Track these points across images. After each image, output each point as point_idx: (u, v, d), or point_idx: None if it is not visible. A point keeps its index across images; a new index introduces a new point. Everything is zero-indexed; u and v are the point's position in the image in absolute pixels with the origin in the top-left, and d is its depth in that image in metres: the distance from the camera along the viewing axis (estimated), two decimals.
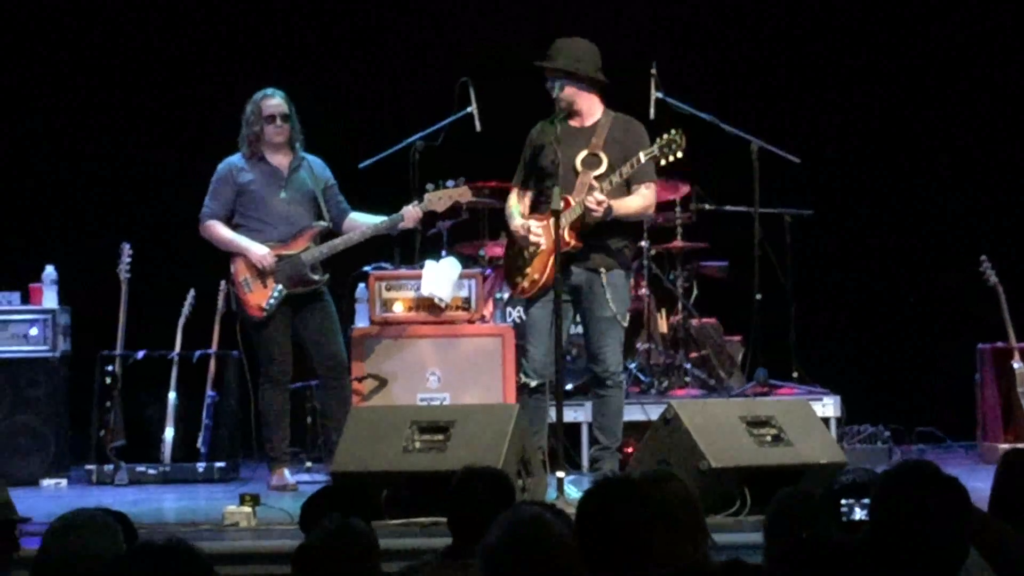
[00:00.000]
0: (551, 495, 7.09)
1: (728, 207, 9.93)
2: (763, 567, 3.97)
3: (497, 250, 9.54)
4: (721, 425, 7.20)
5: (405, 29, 11.06)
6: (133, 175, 10.79)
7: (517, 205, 7.88)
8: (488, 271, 9.30)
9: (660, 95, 9.08)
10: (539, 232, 7.73)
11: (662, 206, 9.52)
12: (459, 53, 10.40)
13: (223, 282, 9.01)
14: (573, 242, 7.61)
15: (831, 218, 10.54)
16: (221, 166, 8.65)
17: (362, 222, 8.56)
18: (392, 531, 6.46)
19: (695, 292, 10.22)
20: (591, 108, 7.81)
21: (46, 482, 9.04)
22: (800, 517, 4.35)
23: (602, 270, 7.69)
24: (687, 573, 3.98)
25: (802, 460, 7.14)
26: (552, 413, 7.46)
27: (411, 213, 8.44)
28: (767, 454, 7.13)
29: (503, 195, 8.63)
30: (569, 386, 9.07)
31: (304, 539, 4.35)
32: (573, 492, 7.16)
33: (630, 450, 8.09)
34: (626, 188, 7.73)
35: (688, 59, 10.46)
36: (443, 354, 8.68)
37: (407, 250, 9.13)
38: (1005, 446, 8.73)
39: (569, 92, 7.73)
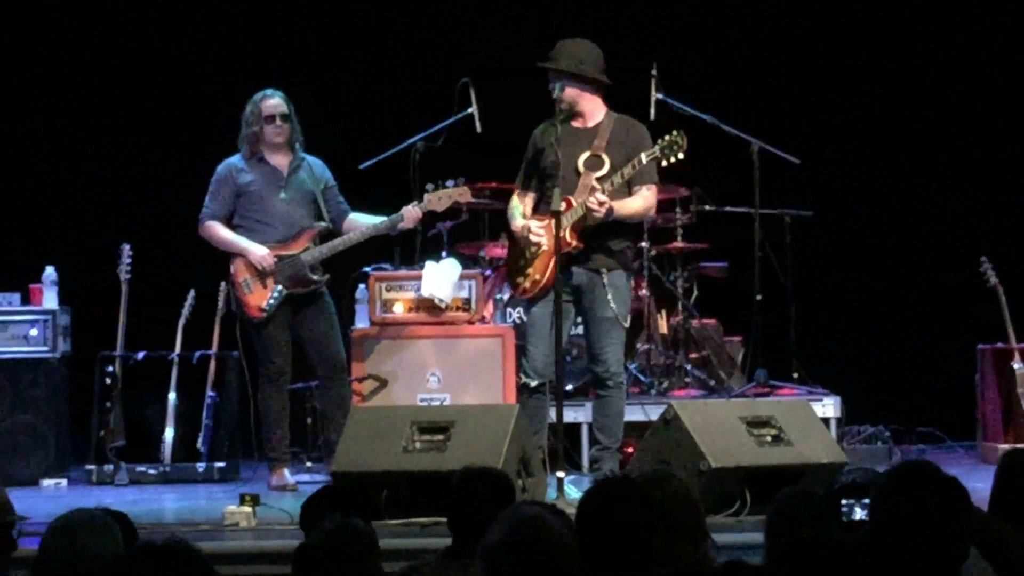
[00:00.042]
0: (551, 495, 7.09)
1: (728, 208, 9.92)
2: (763, 568, 3.96)
3: (497, 251, 9.55)
4: (721, 425, 7.21)
5: (405, 29, 11.06)
6: (133, 175, 10.78)
7: (519, 206, 7.89)
8: (488, 272, 9.30)
9: (660, 96, 9.08)
10: (540, 233, 7.73)
11: (662, 207, 9.52)
12: (459, 53, 10.40)
13: (223, 283, 9.00)
14: (574, 243, 7.62)
15: (831, 218, 10.54)
16: (220, 167, 8.65)
17: (362, 222, 8.56)
18: (392, 531, 6.46)
19: (695, 293, 10.22)
20: (594, 109, 7.81)
21: (46, 482, 9.04)
22: (801, 517, 4.34)
23: (603, 271, 7.69)
24: (687, 573, 3.98)
25: (802, 460, 7.14)
26: (552, 413, 7.46)
27: (411, 213, 8.44)
28: (767, 454, 7.14)
29: (503, 196, 8.64)
30: (569, 387, 9.06)
31: (304, 539, 4.35)
32: (573, 492, 7.17)
33: (630, 450, 8.09)
34: (627, 189, 7.73)
35: (688, 59, 10.45)
36: (443, 355, 8.68)
37: (407, 251, 9.13)
38: (1005, 446, 8.73)
39: (572, 93, 7.73)
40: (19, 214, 10.81)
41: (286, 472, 8.54)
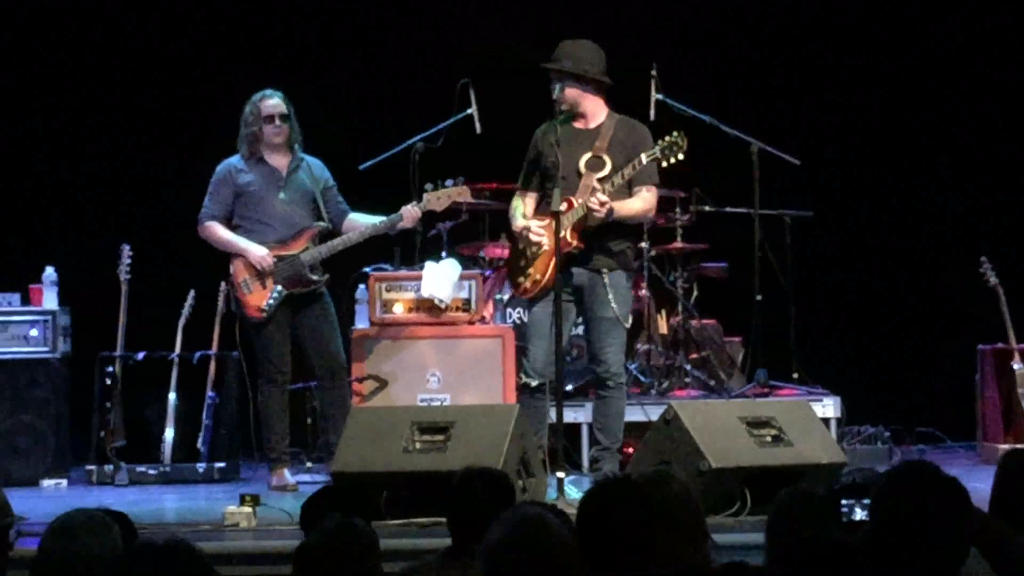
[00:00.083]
0: (551, 495, 7.09)
1: (728, 208, 9.92)
2: (764, 568, 3.96)
3: (497, 251, 9.55)
4: (721, 425, 7.21)
5: (405, 29, 11.05)
6: (133, 175, 10.78)
7: (520, 206, 7.90)
8: (488, 272, 9.30)
9: (660, 96, 9.08)
10: (541, 233, 7.73)
11: (662, 207, 9.52)
12: (459, 54, 10.39)
13: (223, 283, 9.01)
14: (575, 243, 7.62)
15: (831, 219, 10.54)
16: (220, 167, 8.65)
17: (361, 222, 8.56)
18: (392, 531, 6.46)
19: (695, 293, 10.22)
20: (595, 110, 7.81)
21: (46, 482, 9.04)
22: (802, 517, 4.34)
23: (604, 271, 7.69)
24: (687, 574, 3.98)
25: (802, 460, 7.14)
26: (552, 413, 7.46)
27: (410, 213, 8.44)
28: (767, 454, 7.14)
29: (503, 196, 8.65)
30: (570, 387, 9.06)
31: (304, 539, 4.35)
32: (573, 492, 7.17)
33: (630, 450, 8.09)
34: (628, 190, 7.74)
35: (688, 59, 10.45)
36: (443, 355, 8.67)
37: (407, 251, 9.12)
38: (1005, 446, 8.73)
39: (573, 94, 7.73)
40: (19, 214, 10.80)
41: (286, 472, 8.54)
